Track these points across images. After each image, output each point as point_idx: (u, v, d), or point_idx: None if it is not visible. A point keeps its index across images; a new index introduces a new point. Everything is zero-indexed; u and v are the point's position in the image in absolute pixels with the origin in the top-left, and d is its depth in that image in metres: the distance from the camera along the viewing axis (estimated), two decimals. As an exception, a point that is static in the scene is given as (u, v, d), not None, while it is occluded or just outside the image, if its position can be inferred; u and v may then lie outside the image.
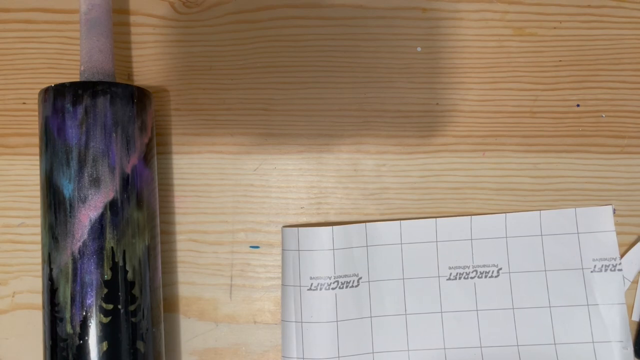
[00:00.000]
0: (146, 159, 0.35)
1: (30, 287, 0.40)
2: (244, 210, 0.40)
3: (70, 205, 0.32)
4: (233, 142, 0.40)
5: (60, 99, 0.33)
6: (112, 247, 0.33)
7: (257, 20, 0.41)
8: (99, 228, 0.32)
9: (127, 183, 0.33)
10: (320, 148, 0.40)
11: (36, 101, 0.40)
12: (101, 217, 0.33)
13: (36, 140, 0.40)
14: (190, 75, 0.41)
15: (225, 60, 0.41)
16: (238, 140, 0.40)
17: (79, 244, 0.32)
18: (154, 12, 0.41)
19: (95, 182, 0.33)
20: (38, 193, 0.40)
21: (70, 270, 0.32)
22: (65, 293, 0.32)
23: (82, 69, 0.35)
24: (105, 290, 0.32)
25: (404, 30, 0.41)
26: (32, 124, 0.40)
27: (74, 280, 0.32)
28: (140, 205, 0.34)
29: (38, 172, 0.40)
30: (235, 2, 0.41)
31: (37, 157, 0.40)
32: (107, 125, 0.33)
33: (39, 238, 0.40)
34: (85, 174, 0.33)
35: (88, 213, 0.32)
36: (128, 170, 0.34)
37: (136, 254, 0.34)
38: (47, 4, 0.41)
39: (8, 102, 0.40)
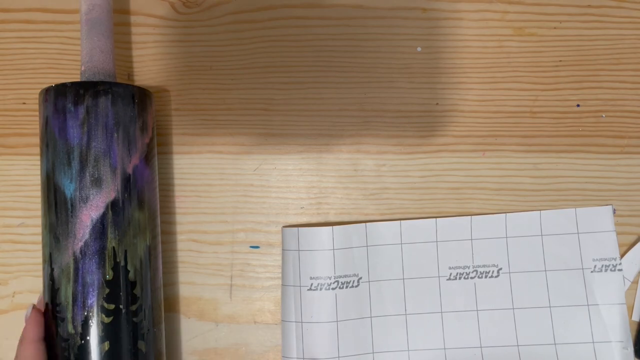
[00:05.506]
0: (147, 158, 0.35)
1: (30, 287, 0.39)
2: (244, 210, 0.40)
3: (72, 205, 0.32)
4: (233, 142, 0.40)
5: (62, 99, 0.33)
6: (113, 247, 0.33)
7: (257, 20, 0.41)
8: (100, 228, 0.32)
9: (128, 183, 0.33)
10: (320, 148, 0.40)
11: (36, 101, 0.40)
12: (103, 217, 0.33)
13: (36, 140, 0.40)
14: (190, 75, 0.41)
15: (225, 60, 0.41)
16: (238, 140, 0.40)
17: (81, 243, 0.32)
18: (154, 12, 0.41)
19: (97, 182, 0.33)
20: (38, 193, 0.40)
21: (71, 270, 0.32)
22: (66, 293, 0.32)
23: (83, 69, 0.35)
24: (107, 290, 0.32)
25: (404, 30, 0.41)
26: (32, 124, 0.40)
27: (76, 280, 0.32)
28: (142, 205, 0.34)
29: (38, 172, 0.40)
30: (235, 2, 0.41)
31: (38, 157, 0.40)
32: (108, 125, 0.33)
33: (39, 238, 0.40)
34: (87, 174, 0.32)
35: (89, 213, 0.32)
36: (129, 170, 0.34)
37: (137, 254, 0.34)
38: (47, 4, 0.41)
39: (8, 102, 0.40)
